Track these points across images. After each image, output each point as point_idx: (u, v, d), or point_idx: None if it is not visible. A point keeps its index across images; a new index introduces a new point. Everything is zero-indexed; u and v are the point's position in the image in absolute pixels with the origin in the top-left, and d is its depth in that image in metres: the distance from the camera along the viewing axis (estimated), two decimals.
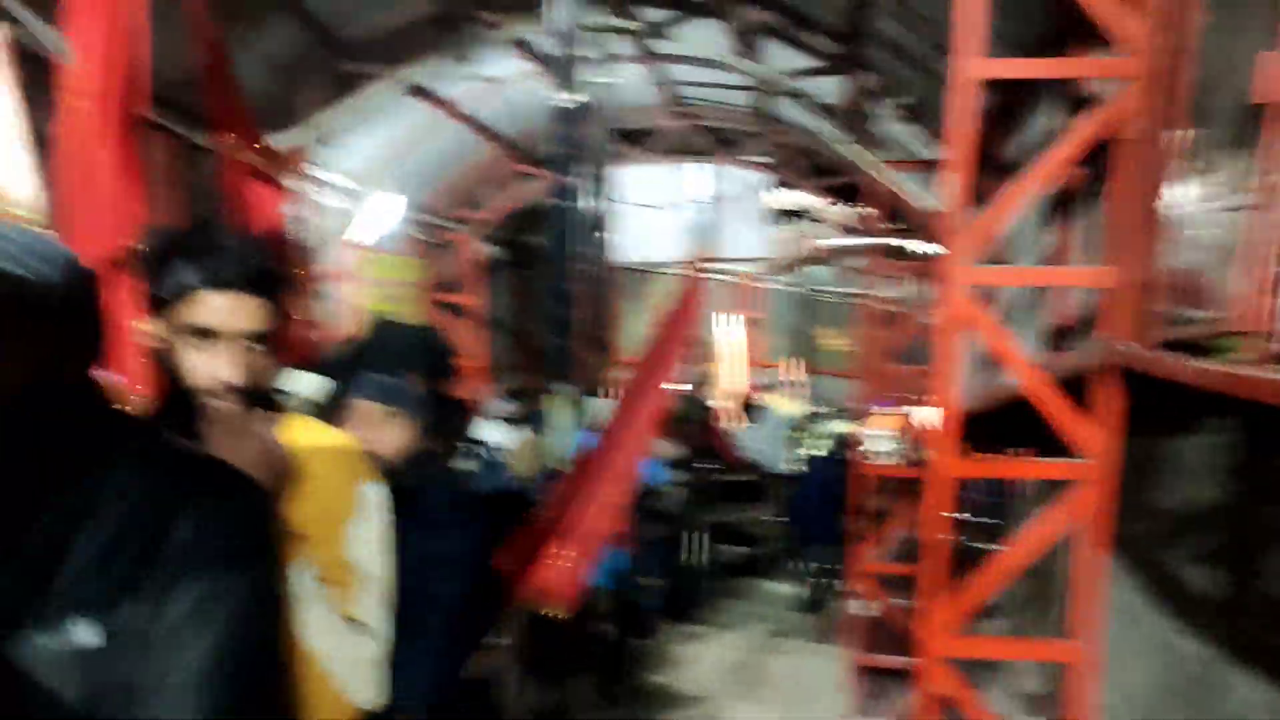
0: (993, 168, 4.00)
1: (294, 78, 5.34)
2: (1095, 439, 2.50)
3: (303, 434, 1.42)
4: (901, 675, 4.92)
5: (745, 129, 7.79)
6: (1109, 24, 2.41)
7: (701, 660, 6.23)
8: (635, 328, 12.66)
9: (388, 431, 1.63)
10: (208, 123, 2.44)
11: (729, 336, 12.48)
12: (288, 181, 5.59)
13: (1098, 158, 2.74)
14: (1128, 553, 2.75)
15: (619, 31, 5.48)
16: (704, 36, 5.49)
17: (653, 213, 8.05)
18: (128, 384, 1.68)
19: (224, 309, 1.28)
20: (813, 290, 11.02)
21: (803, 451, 9.35)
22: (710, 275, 10.76)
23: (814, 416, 10.26)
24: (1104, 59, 2.66)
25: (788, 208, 9.48)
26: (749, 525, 8.55)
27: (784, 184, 8.80)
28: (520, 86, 6.60)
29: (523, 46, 5.93)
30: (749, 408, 10.31)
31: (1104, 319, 2.49)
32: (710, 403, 9.58)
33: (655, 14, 5.65)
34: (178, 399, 1.32)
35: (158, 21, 2.59)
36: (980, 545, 5.47)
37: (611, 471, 2.51)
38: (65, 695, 0.88)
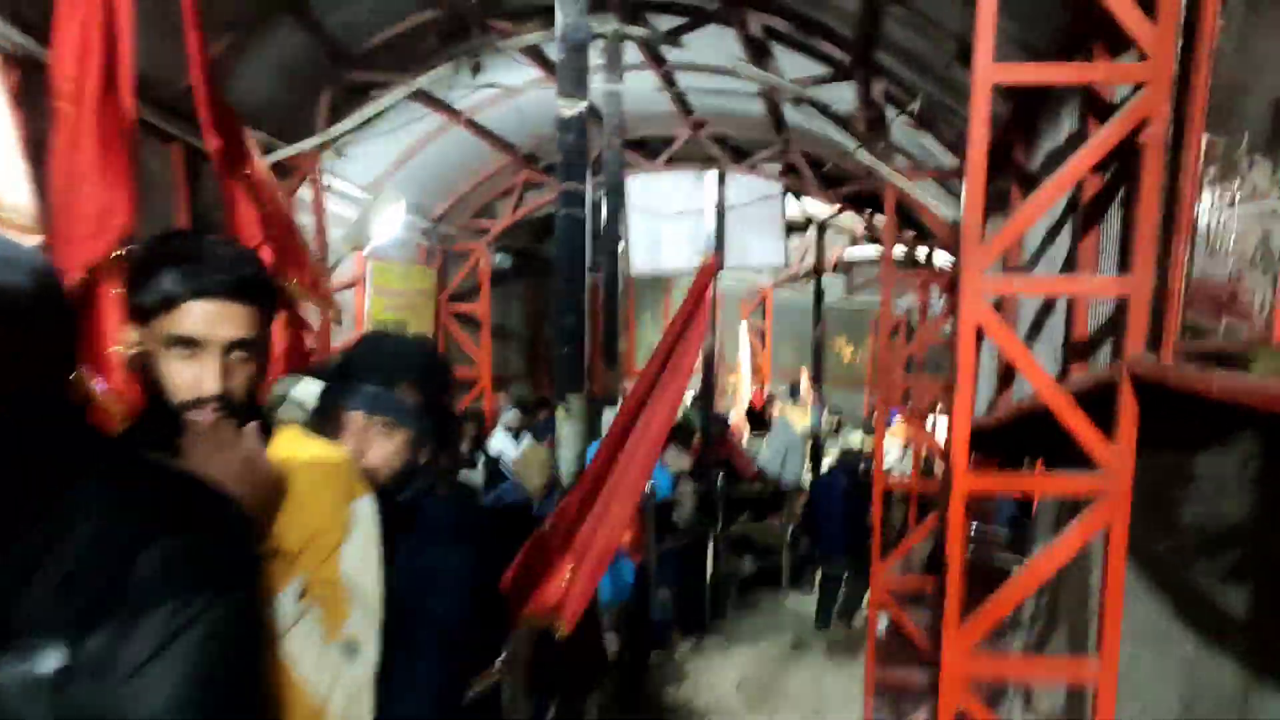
0: (1012, 177, 3.94)
1: (304, 87, 5.34)
2: (1115, 453, 2.42)
3: (292, 447, 1.37)
4: (920, 692, 4.83)
5: (758, 138, 7.74)
6: (1127, 27, 2.35)
7: (715, 675, 6.15)
8: (649, 338, 12.66)
9: (379, 444, 1.58)
10: (201, 129, 2.41)
11: (743, 348, 12.44)
12: (299, 190, 5.62)
13: (1120, 164, 2.68)
14: (1150, 570, 2.68)
15: (630, 39, 5.45)
16: (716, 44, 5.45)
17: (666, 222, 8.00)
18: (114, 396, 1.64)
19: (207, 317, 1.24)
20: (827, 301, 10.94)
21: (819, 461, 9.28)
22: (723, 281, 10.73)
23: (829, 428, 10.19)
24: (1123, 64, 2.60)
25: (801, 217, 9.44)
26: (764, 537, 8.47)
27: (797, 193, 8.75)
28: (531, 95, 6.59)
29: (533, 54, 5.91)
30: (764, 419, 10.25)
31: (1125, 330, 2.42)
32: (725, 414, 9.53)
33: (667, 21, 5.62)
34: (160, 412, 1.27)
35: (162, 26, 2.57)
36: (1002, 560, 5.38)
37: (617, 483, 2.45)
38: None
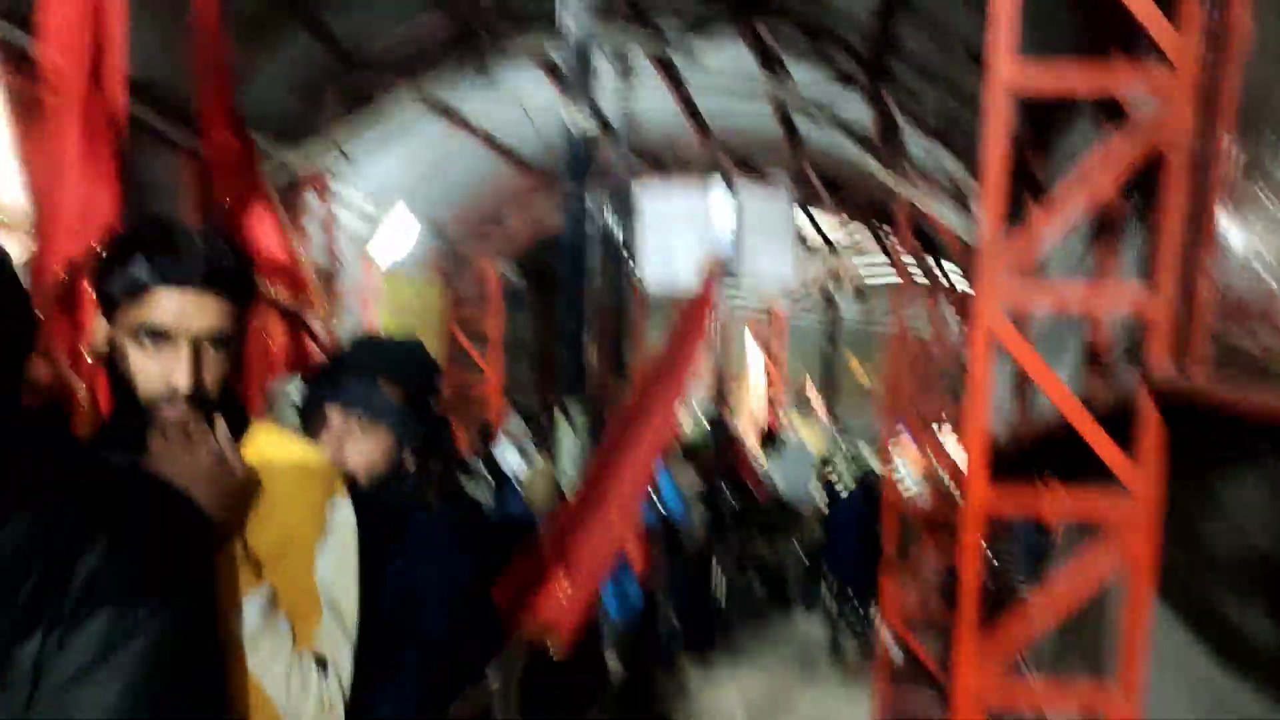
0: (1028, 191, 3.87)
1: (312, 93, 5.33)
2: (1140, 474, 2.33)
3: (268, 447, 1.30)
4: None
5: (770, 150, 7.69)
6: (1151, 32, 2.28)
7: (722, 697, 6.04)
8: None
9: (359, 443, 1.51)
10: (199, 127, 2.37)
11: (754, 365, 12.35)
12: (306, 198, 5.60)
13: (1141, 174, 2.61)
14: (1176, 595, 2.58)
15: (639, 45, 5.41)
16: (726, 54, 5.40)
17: (676, 236, 7.94)
18: (85, 391, 1.58)
19: (178, 307, 1.17)
20: (839, 318, 10.85)
21: (833, 482, 9.15)
22: (736, 302, 10.66)
23: (841, 447, 10.07)
24: (1146, 70, 2.53)
25: (814, 233, 9.37)
26: (774, 557, 8.34)
27: (810, 211, 8.69)
28: (544, 108, 6.57)
29: (546, 66, 5.88)
30: (774, 437, 10.14)
31: (1148, 345, 2.34)
32: (736, 431, 9.43)
33: (678, 32, 5.58)
34: (129, 409, 1.20)
35: (173, 30, 2.54)
36: (1020, 585, 5.26)
37: (616, 491, 2.37)
38: None
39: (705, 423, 8.94)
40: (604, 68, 5.48)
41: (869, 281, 12.37)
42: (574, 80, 3.50)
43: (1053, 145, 3.66)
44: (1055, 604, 2.53)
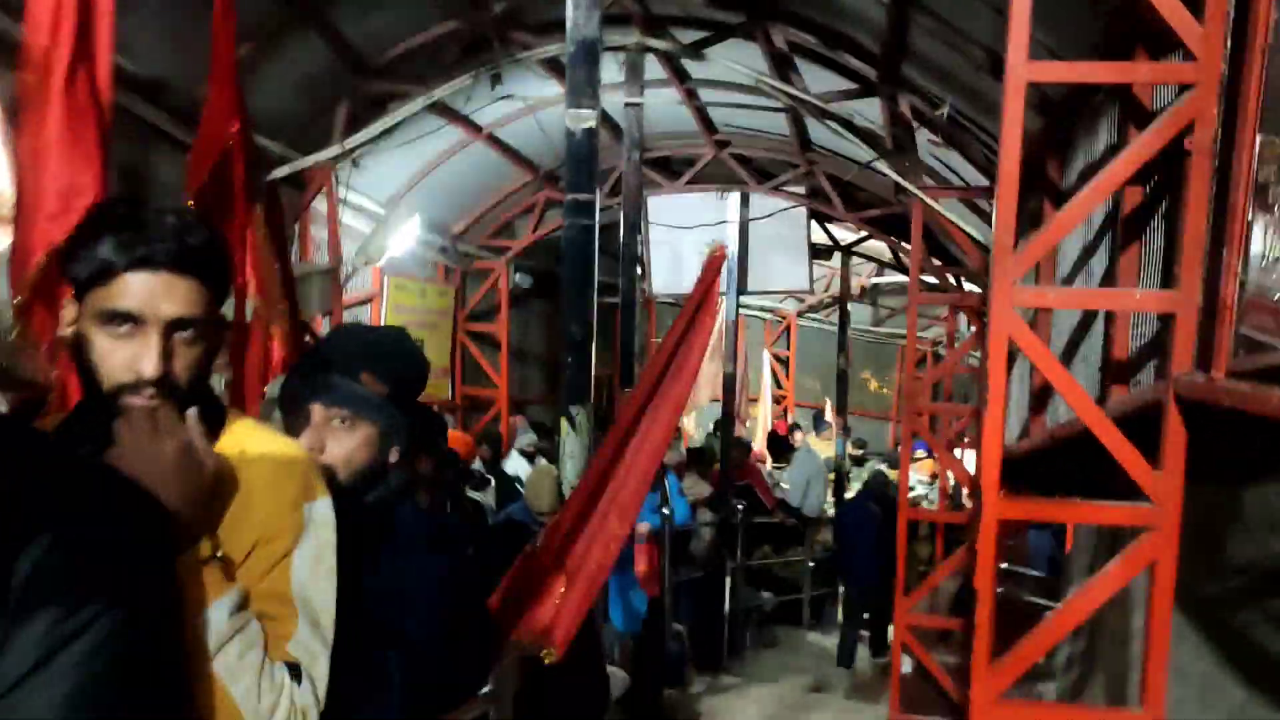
0: (1045, 195, 3.79)
1: (322, 97, 5.31)
2: (1162, 481, 2.24)
3: (244, 441, 1.23)
4: None
5: (782, 158, 7.62)
6: (1174, 25, 2.20)
7: (732, 715, 5.91)
8: None
9: (339, 439, 1.45)
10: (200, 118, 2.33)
11: (766, 374, 12.24)
12: (314, 202, 5.57)
13: (1163, 173, 2.53)
14: (1195, 610, 2.48)
15: (651, 51, 5.37)
16: (739, 59, 5.35)
17: (687, 244, 7.87)
18: (60, 382, 1.52)
19: (147, 291, 1.11)
20: (852, 329, 10.74)
21: (845, 493, 9.03)
22: (747, 309, 10.57)
23: (854, 458, 9.95)
24: (1169, 64, 2.46)
25: (826, 240, 9.28)
26: (785, 570, 8.22)
27: (822, 218, 8.60)
28: (554, 112, 6.53)
29: (556, 70, 5.84)
30: (786, 448, 10.02)
31: (1169, 349, 2.26)
32: (748, 441, 9.32)
33: (690, 36, 5.53)
34: (94, 398, 1.14)
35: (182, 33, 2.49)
36: (1037, 600, 5.14)
37: (614, 496, 2.29)
38: None
39: (714, 430, 8.85)
40: (616, 73, 5.44)
41: (882, 289, 12.27)
42: (583, 86, 3.45)
43: (1072, 146, 3.58)
44: (1074, 617, 2.44)
